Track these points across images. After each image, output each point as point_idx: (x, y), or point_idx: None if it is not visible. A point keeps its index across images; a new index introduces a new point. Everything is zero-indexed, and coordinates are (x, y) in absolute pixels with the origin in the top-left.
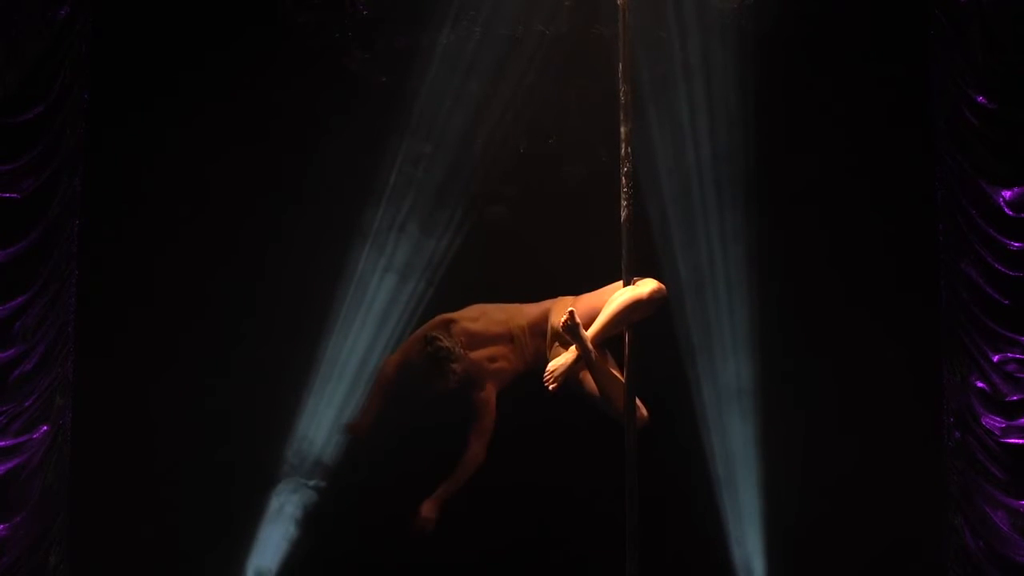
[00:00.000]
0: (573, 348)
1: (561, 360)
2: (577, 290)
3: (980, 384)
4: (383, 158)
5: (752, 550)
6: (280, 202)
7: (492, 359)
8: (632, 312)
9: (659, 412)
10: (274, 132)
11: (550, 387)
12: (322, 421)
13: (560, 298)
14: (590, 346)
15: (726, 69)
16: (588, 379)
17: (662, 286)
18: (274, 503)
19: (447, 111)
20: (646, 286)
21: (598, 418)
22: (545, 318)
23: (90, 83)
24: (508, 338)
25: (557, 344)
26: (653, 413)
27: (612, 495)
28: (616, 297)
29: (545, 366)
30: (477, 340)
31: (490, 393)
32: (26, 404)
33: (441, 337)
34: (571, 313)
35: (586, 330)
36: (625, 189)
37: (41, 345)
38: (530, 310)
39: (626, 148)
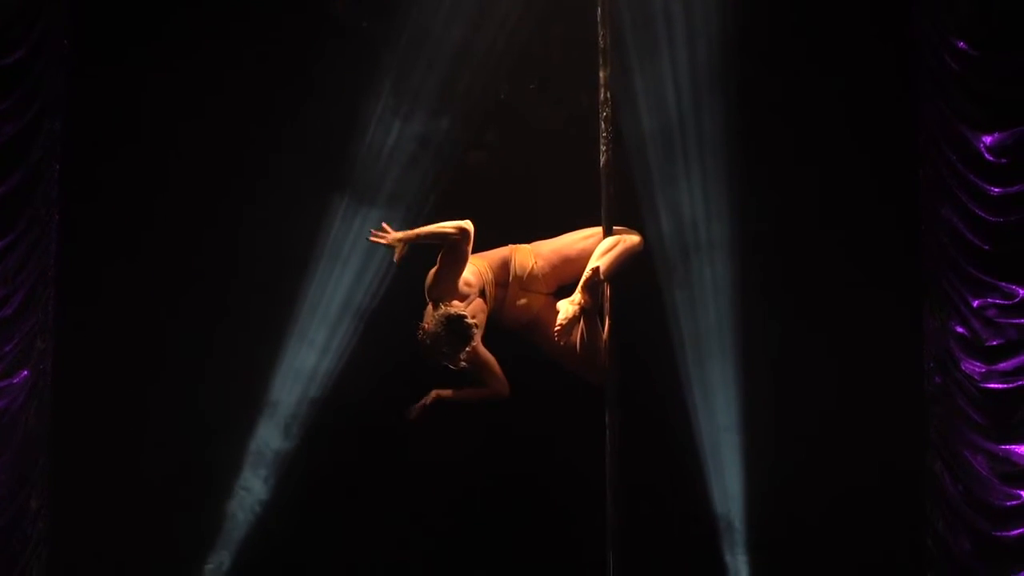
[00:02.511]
0: (575, 300)
1: (569, 313)
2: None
3: (960, 329)
4: (365, 104)
5: (732, 495)
6: (263, 147)
7: (473, 316)
8: (627, 261)
9: (640, 359)
10: (257, 77)
11: (561, 342)
12: (304, 363)
13: (515, 246)
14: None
15: (707, 13)
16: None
17: (641, 238)
18: (255, 446)
19: (429, 56)
20: (633, 236)
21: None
22: (506, 268)
23: (71, 27)
24: (481, 292)
25: (523, 292)
26: (634, 361)
27: (593, 447)
28: (609, 246)
29: (503, 313)
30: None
31: (478, 345)
32: (6, 349)
33: (468, 317)
34: (596, 270)
35: (552, 281)
36: (604, 134)
37: (22, 290)
38: (491, 261)
39: (605, 93)
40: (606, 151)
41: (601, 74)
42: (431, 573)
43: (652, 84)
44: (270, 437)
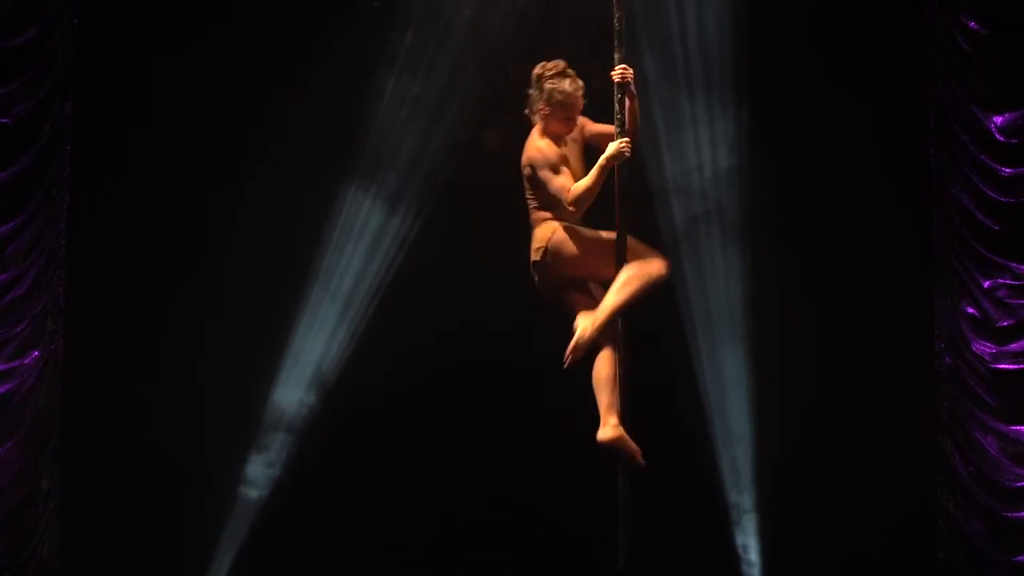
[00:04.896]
0: (586, 327)
1: (582, 338)
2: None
3: (971, 310)
4: (375, 83)
5: (743, 478)
6: (272, 127)
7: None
8: (646, 293)
9: (650, 340)
10: (267, 57)
11: (567, 362)
12: (316, 341)
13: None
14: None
15: None
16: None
17: (667, 265)
18: (265, 426)
19: (439, 36)
20: (655, 265)
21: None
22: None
23: (81, 7)
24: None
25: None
26: (644, 342)
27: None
28: (628, 278)
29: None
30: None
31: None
32: (17, 329)
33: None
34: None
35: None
36: (619, 116)
37: (32, 270)
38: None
39: None
40: (620, 132)
41: (616, 56)
42: (436, 541)
43: (663, 63)
44: (280, 417)
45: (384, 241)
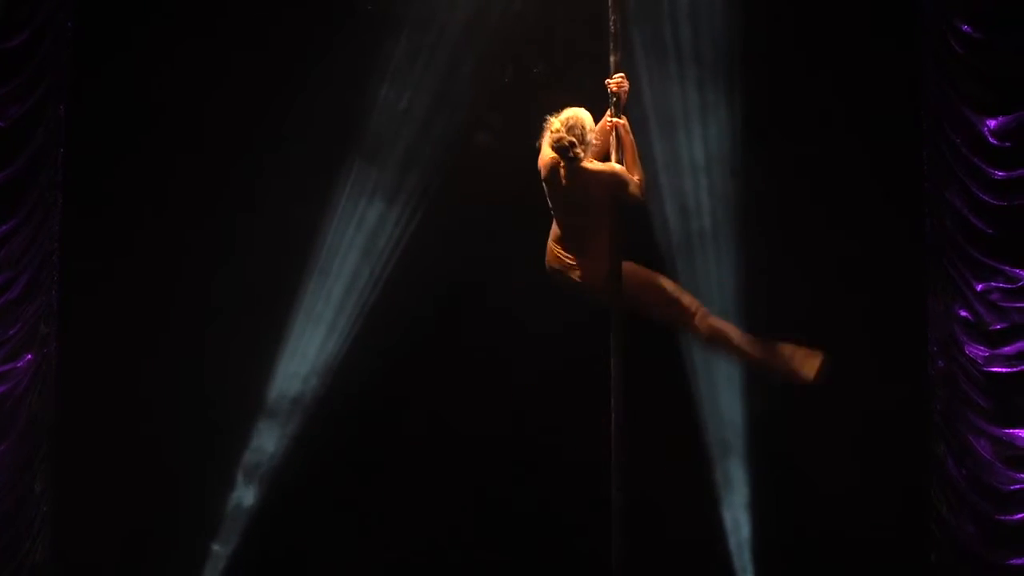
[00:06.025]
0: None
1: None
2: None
3: (964, 313)
4: (372, 84)
5: (736, 478)
6: (268, 132)
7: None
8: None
9: (645, 342)
10: (263, 59)
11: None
12: (308, 346)
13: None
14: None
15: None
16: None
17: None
18: (257, 432)
19: (433, 40)
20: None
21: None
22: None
23: (75, 10)
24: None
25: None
26: (639, 343)
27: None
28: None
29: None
30: None
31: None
32: (10, 333)
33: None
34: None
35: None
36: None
37: (26, 273)
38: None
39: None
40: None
41: (612, 59)
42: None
43: (657, 66)
44: (275, 420)
45: (380, 239)
